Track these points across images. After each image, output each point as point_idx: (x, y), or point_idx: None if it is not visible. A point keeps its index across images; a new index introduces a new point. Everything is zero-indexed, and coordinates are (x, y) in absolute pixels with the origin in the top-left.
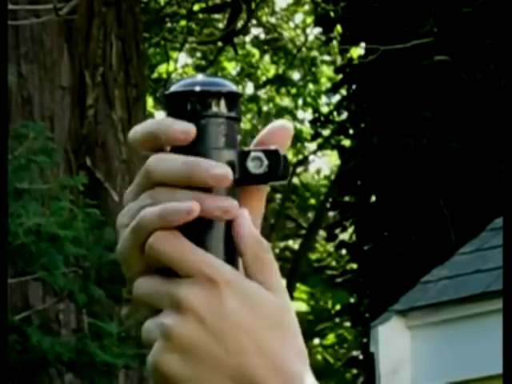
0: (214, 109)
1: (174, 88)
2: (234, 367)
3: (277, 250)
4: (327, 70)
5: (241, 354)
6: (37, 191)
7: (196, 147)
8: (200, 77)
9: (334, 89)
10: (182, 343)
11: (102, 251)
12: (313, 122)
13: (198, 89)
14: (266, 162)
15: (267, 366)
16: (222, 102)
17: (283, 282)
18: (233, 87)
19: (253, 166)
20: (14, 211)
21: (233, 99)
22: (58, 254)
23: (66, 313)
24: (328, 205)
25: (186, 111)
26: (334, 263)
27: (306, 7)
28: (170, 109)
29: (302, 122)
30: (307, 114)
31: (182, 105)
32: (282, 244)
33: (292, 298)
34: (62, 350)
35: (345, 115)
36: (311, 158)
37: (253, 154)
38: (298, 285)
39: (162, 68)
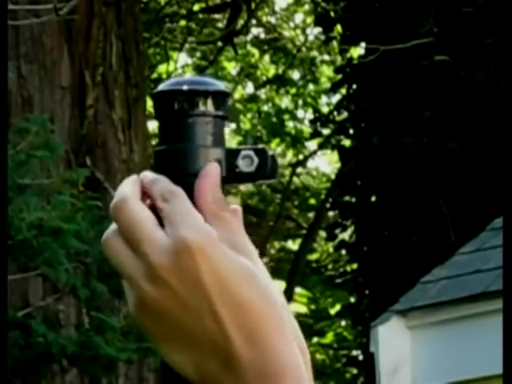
0: (202, 108)
1: (161, 87)
2: (206, 335)
3: (274, 251)
4: (327, 70)
5: (212, 323)
6: (39, 186)
7: (183, 146)
8: (188, 76)
9: (333, 89)
10: (155, 309)
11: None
12: (313, 122)
13: (185, 88)
14: (256, 161)
15: (242, 335)
16: (210, 101)
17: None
18: (220, 86)
19: (243, 164)
20: (15, 206)
21: (220, 98)
22: (60, 248)
23: (66, 311)
24: (328, 205)
25: (174, 110)
26: (333, 263)
27: (306, 7)
28: (157, 108)
29: (302, 121)
30: (307, 114)
31: (169, 104)
32: (281, 244)
33: (291, 298)
34: (66, 343)
35: (345, 115)
36: (311, 158)
37: (243, 153)
38: (298, 288)
39: (162, 68)
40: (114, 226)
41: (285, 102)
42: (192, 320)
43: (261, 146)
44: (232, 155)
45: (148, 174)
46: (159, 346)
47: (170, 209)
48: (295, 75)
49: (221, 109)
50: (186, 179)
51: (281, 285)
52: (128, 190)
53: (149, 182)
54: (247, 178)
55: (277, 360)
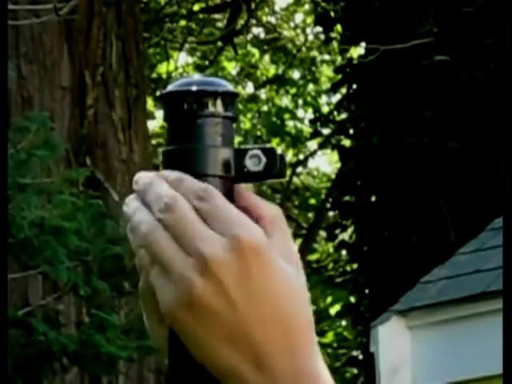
0: (211, 108)
1: (170, 88)
2: (247, 337)
3: None
4: (327, 70)
5: (256, 326)
6: (39, 185)
7: (193, 146)
8: (197, 76)
9: (333, 89)
10: (202, 304)
11: (105, 245)
12: (313, 122)
13: (194, 88)
14: (263, 160)
15: (283, 345)
16: (219, 102)
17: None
18: (229, 87)
19: (251, 164)
20: (16, 205)
21: (229, 99)
22: (61, 247)
23: (66, 309)
24: (328, 205)
25: (183, 111)
26: (333, 263)
27: (306, 7)
28: (166, 109)
29: (302, 121)
30: (307, 114)
31: (178, 104)
32: None
33: None
34: (66, 341)
35: (345, 115)
36: (311, 157)
37: (251, 152)
38: None
39: (162, 68)
40: (150, 219)
41: (285, 101)
42: (236, 320)
43: (269, 145)
44: (240, 155)
45: (169, 173)
46: (193, 344)
47: (210, 207)
48: (295, 75)
49: (230, 110)
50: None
51: None
52: (169, 189)
53: (175, 181)
54: (256, 177)
55: (310, 371)
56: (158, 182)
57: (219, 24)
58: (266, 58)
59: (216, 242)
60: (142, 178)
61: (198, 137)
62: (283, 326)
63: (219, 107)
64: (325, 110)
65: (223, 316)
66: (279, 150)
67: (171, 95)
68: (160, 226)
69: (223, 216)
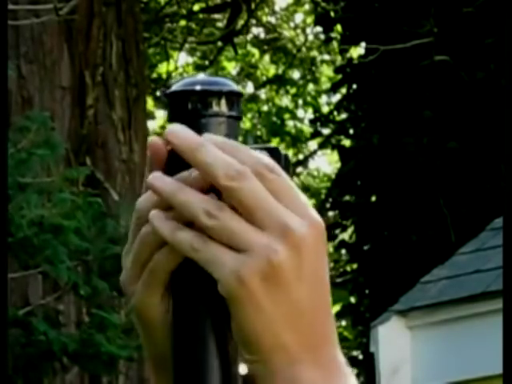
0: (215, 108)
1: (174, 87)
2: (303, 319)
3: None
4: (327, 70)
5: (313, 310)
6: (39, 184)
7: None
8: (201, 76)
9: (333, 89)
10: (280, 276)
11: (105, 244)
12: (313, 122)
13: (198, 88)
14: None
15: (329, 330)
16: (223, 102)
17: None
18: (233, 86)
19: None
20: (16, 204)
21: (234, 98)
22: (61, 245)
23: (66, 309)
24: (328, 205)
25: (187, 110)
26: (333, 263)
27: (306, 7)
28: (170, 108)
29: (302, 121)
30: (307, 114)
31: (182, 104)
32: None
33: None
34: (67, 340)
35: (345, 115)
36: (311, 157)
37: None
38: None
39: (162, 68)
40: (204, 198)
41: (285, 101)
42: (299, 297)
43: (273, 145)
44: None
45: (222, 139)
46: (251, 317)
47: (280, 182)
48: (295, 75)
49: (234, 109)
50: None
51: None
52: (239, 166)
53: (232, 149)
54: None
55: (343, 361)
56: (212, 148)
57: (219, 24)
58: (266, 58)
59: (295, 217)
60: (181, 136)
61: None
62: (327, 315)
63: (223, 107)
64: (325, 110)
65: (292, 290)
66: (283, 150)
67: (175, 95)
68: (219, 203)
69: (298, 196)
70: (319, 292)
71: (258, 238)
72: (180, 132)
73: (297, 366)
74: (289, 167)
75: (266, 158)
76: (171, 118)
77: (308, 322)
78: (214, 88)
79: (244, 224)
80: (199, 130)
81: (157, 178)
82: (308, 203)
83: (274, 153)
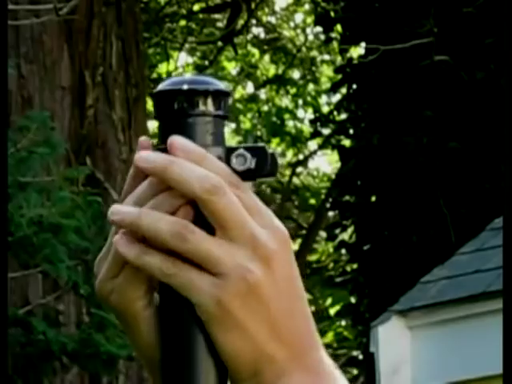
0: (202, 107)
1: (161, 87)
2: (285, 330)
3: None
4: (327, 70)
5: (293, 320)
6: (39, 184)
7: None
8: (188, 75)
9: (333, 89)
10: (259, 293)
11: (105, 243)
12: (313, 122)
13: (185, 87)
14: (249, 159)
15: (310, 338)
16: (209, 101)
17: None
18: (220, 85)
19: (237, 163)
20: (15, 203)
21: (220, 97)
22: (60, 245)
23: (66, 309)
24: (328, 205)
25: (173, 110)
26: (333, 263)
27: (306, 7)
28: (157, 108)
29: (302, 121)
30: (307, 114)
31: (169, 104)
32: None
33: None
34: (66, 340)
35: (345, 115)
36: (311, 157)
37: (237, 152)
38: None
39: (162, 68)
40: (173, 220)
41: (285, 101)
42: (279, 310)
43: (261, 144)
44: (229, 153)
45: (194, 149)
46: (233, 333)
47: (246, 197)
48: (295, 75)
49: (221, 108)
50: None
51: None
52: (215, 179)
53: (201, 161)
54: (244, 176)
55: (329, 364)
56: (183, 163)
57: (219, 24)
58: (266, 58)
59: (262, 230)
60: (152, 156)
61: (188, 136)
62: (308, 320)
63: (210, 106)
64: (325, 110)
65: (271, 304)
66: (270, 149)
67: (162, 94)
68: (187, 222)
69: (262, 207)
70: (295, 298)
71: (232, 259)
72: (148, 156)
73: (286, 376)
74: (276, 166)
75: (229, 172)
76: (158, 118)
77: (290, 331)
78: (200, 87)
79: (216, 245)
80: (185, 129)
81: (117, 208)
82: (271, 214)
83: (259, 152)
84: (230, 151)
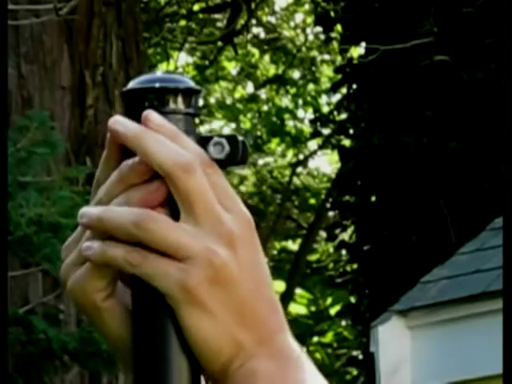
0: (172, 105)
1: (131, 85)
2: (252, 315)
3: (275, 251)
4: (327, 70)
5: (260, 305)
6: (39, 183)
7: None
8: (157, 74)
9: (333, 88)
10: (225, 276)
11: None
12: (313, 122)
13: (155, 85)
14: (227, 147)
15: (276, 322)
16: (180, 99)
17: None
18: (190, 83)
19: (214, 151)
20: (15, 202)
21: (191, 95)
22: (60, 244)
23: (66, 307)
24: (328, 205)
25: (144, 108)
26: (333, 264)
27: (306, 7)
28: (127, 106)
29: (302, 121)
30: (307, 114)
31: (139, 102)
32: (281, 245)
33: (292, 298)
34: (67, 339)
35: (345, 115)
36: (311, 158)
37: (214, 140)
38: (298, 290)
39: (162, 68)
40: (133, 210)
41: (285, 101)
42: (245, 294)
43: (231, 133)
44: (203, 142)
45: (166, 126)
46: (203, 321)
47: (217, 179)
48: (295, 75)
49: (191, 106)
50: None
51: (281, 285)
52: (189, 156)
53: (174, 138)
54: (219, 164)
55: (297, 348)
56: (158, 136)
57: (219, 24)
58: (266, 58)
59: (226, 213)
60: (128, 122)
61: None
62: (274, 304)
63: (180, 104)
64: (325, 110)
65: (237, 287)
66: (240, 137)
67: (132, 93)
68: (148, 210)
69: (229, 191)
70: (260, 283)
71: (196, 242)
72: (124, 121)
73: (253, 361)
74: (247, 154)
75: (203, 153)
76: (128, 115)
77: (256, 316)
78: (170, 85)
79: (180, 231)
80: None
81: (83, 211)
82: (237, 198)
83: (231, 140)
84: (203, 139)
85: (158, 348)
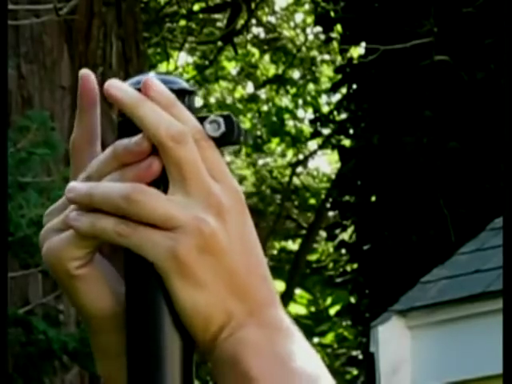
0: None
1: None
2: (242, 285)
3: (275, 251)
4: (327, 70)
5: (249, 275)
6: (39, 184)
7: None
8: (151, 74)
9: (333, 88)
10: (214, 244)
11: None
12: (313, 122)
13: None
14: (223, 125)
15: (267, 292)
16: None
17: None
18: (184, 84)
19: (210, 129)
20: (15, 203)
21: (184, 96)
22: None
23: (66, 308)
24: (328, 205)
25: None
26: (333, 264)
27: (306, 7)
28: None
29: (302, 121)
30: (307, 114)
31: None
32: (281, 244)
33: (291, 298)
34: (66, 339)
35: (345, 115)
36: (311, 157)
37: (211, 118)
38: (297, 290)
39: (162, 68)
40: (121, 185)
41: (285, 101)
42: (234, 264)
43: (226, 112)
44: (200, 121)
45: (163, 93)
46: (193, 291)
47: (210, 152)
48: (295, 75)
49: (185, 106)
50: None
51: (281, 285)
52: (181, 127)
53: (169, 106)
54: (215, 142)
55: (286, 319)
56: (154, 105)
57: (219, 24)
58: (266, 57)
59: (216, 184)
60: (126, 86)
61: None
62: (265, 277)
63: None
64: (325, 110)
65: (227, 256)
66: (235, 118)
67: None
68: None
69: (221, 165)
70: (250, 254)
71: (185, 212)
72: (122, 85)
73: (243, 330)
74: (241, 133)
75: (196, 123)
76: (122, 117)
77: (247, 286)
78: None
79: (165, 200)
80: None
81: (71, 186)
82: (228, 172)
83: (226, 120)
84: (201, 119)
85: (150, 320)
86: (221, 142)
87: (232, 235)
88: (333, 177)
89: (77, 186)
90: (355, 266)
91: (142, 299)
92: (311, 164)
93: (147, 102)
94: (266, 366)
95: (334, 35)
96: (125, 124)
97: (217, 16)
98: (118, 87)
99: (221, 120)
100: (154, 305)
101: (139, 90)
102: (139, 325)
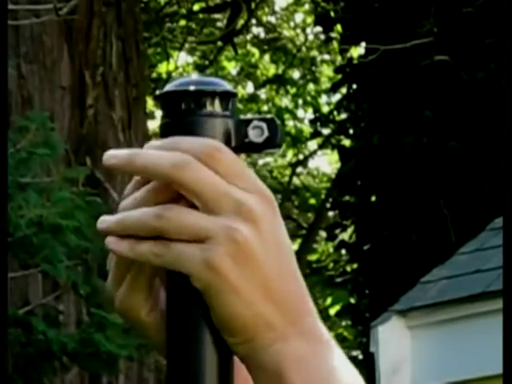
0: (209, 108)
1: (168, 87)
2: (278, 292)
3: None
4: (327, 70)
5: (285, 282)
6: (39, 184)
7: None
8: (194, 76)
9: (333, 88)
10: (248, 252)
11: (104, 244)
12: (313, 122)
13: (192, 88)
14: (266, 130)
15: (302, 301)
16: (217, 101)
17: None
18: (227, 86)
19: (254, 135)
20: (15, 203)
21: (227, 98)
22: (60, 245)
23: (66, 309)
24: (328, 205)
25: (181, 110)
26: (333, 264)
27: (306, 7)
28: (164, 108)
29: (302, 121)
30: (307, 114)
31: (176, 104)
32: None
33: None
34: (66, 340)
35: (345, 115)
36: (311, 157)
37: (254, 123)
38: None
39: (162, 68)
40: (149, 208)
41: (285, 101)
42: (270, 271)
43: (269, 116)
44: (242, 125)
45: (160, 141)
46: (229, 300)
47: (227, 164)
48: (295, 75)
49: (228, 109)
50: None
51: None
52: (174, 154)
53: (171, 145)
54: (257, 147)
55: (323, 329)
56: (146, 151)
57: (219, 24)
58: (266, 57)
59: (243, 193)
60: (117, 151)
61: (197, 136)
62: (301, 285)
63: (217, 106)
64: (325, 110)
65: (261, 263)
66: (277, 120)
67: (169, 95)
68: (164, 205)
69: (245, 172)
70: (286, 262)
71: (216, 222)
72: (114, 153)
73: (282, 342)
74: (282, 138)
75: (210, 140)
76: (165, 119)
77: (284, 295)
78: (207, 88)
79: (195, 214)
80: (193, 129)
81: (102, 218)
82: (255, 176)
83: (271, 124)
84: (242, 122)
85: (189, 333)
86: (262, 147)
87: (266, 242)
88: (333, 177)
89: (106, 217)
90: (355, 266)
91: (181, 314)
92: (311, 164)
93: (139, 151)
94: (308, 381)
95: (333, 35)
96: (168, 126)
97: (217, 16)
98: (112, 156)
99: (264, 125)
100: (193, 318)
101: (183, 91)
102: (179, 338)
